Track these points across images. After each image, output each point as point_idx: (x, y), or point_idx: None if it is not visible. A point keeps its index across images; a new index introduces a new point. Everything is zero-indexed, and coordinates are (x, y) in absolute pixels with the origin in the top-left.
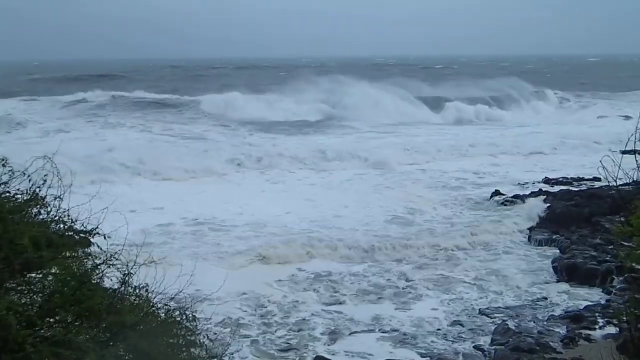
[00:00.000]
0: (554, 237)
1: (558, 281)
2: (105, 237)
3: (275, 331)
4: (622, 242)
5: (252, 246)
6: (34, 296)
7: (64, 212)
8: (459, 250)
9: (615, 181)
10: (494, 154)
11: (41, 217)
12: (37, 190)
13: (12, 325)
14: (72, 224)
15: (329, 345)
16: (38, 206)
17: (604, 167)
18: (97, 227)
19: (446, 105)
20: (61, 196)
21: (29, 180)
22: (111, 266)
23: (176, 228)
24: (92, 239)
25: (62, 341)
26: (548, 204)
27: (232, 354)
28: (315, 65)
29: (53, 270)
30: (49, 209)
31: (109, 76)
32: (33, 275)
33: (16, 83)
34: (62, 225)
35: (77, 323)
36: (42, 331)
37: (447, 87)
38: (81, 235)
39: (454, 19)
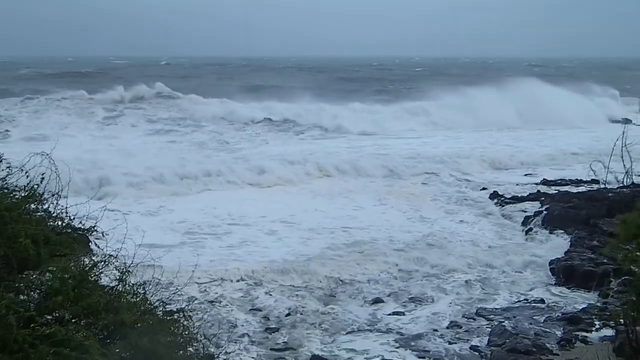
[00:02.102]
0: (551, 238)
1: (555, 283)
2: (103, 235)
3: (272, 330)
4: (620, 245)
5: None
6: (32, 293)
7: (62, 209)
8: (458, 251)
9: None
10: (493, 157)
11: (39, 214)
12: (36, 186)
13: (12, 325)
14: (70, 221)
15: (325, 345)
16: (36, 203)
17: (593, 171)
18: (95, 225)
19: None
20: (59, 193)
21: (27, 176)
22: (109, 264)
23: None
24: (90, 237)
25: (62, 340)
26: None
27: (229, 353)
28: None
29: (51, 268)
30: (46, 206)
31: (79, 74)
32: (30, 272)
33: None
34: (59, 222)
35: (74, 320)
36: (42, 329)
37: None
38: (79, 232)
39: (448, 20)
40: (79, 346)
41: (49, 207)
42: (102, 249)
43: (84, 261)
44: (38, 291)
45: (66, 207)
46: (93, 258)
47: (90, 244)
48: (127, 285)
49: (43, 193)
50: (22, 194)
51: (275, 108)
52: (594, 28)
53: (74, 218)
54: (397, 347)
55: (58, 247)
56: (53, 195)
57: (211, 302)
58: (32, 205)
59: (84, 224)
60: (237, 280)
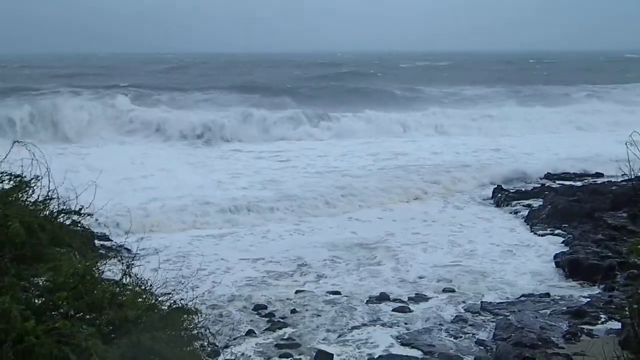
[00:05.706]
0: (556, 232)
1: (560, 277)
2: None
3: (277, 327)
4: (625, 238)
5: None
6: (35, 280)
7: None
8: (462, 246)
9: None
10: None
11: (31, 202)
12: (23, 176)
13: (15, 318)
14: (64, 206)
15: (330, 340)
16: (27, 191)
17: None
18: (85, 207)
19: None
20: (40, 177)
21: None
22: (113, 258)
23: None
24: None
25: (66, 335)
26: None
27: (233, 347)
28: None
29: (52, 261)
30: (37, 196)
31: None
32: (31, 266)
33: None
34: (54, 208)
35: (79, 315)
36: (46, 324)
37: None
38: (74, 216)
39: (445, 18)
40: (79, 347)
41: (39, 195)
42: (110, 243)
43: (88, 254)
44: (40, 287)
45: (65, 200)
46: (98, 252)
47: (93, 238)
48: (131, 278)
49: (31, 180)
50: (11, 184)
51: None
52: (580, 24)
53: (65, 202)
54: (402, 342)
55: (58, 238)
56: (50, 190)
57: (218, 297)
58: (24, 194)
59: (71, 205)
60: (243, 280)
